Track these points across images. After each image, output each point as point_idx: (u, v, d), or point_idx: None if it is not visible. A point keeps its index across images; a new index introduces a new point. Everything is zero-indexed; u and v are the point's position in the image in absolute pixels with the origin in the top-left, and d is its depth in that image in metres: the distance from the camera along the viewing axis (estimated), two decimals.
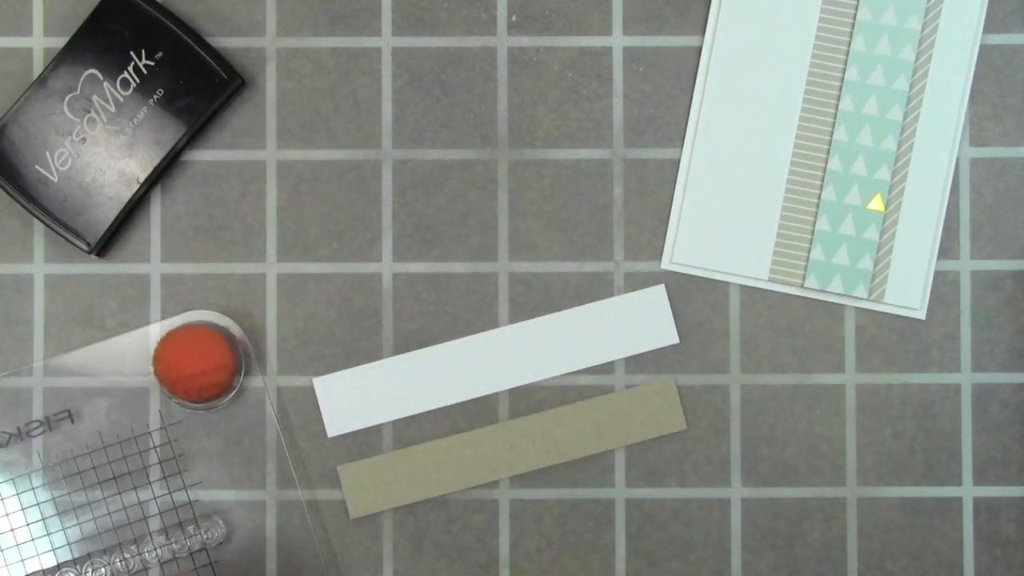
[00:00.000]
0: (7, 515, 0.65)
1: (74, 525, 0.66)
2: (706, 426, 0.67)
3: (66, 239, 0.66)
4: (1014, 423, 0.67)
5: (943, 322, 0.67)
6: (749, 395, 0.67)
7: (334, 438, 0.66)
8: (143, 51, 0.65)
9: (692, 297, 0.67)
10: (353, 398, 0.66)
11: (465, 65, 0.67)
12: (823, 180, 0.67)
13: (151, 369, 0.66)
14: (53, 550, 0.65)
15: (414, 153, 0.67)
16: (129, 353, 0.66)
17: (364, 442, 0.66)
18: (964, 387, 0.67)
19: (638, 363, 0.67)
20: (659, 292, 0.66)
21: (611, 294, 0.67)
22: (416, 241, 0.67)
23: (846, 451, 0.66)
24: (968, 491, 0.67)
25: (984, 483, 0.67)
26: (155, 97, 0.65)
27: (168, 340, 0.64)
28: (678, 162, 0.67)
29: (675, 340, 0.66)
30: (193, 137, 0.66)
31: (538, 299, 0.67)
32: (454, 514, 0.66)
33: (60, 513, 0.66)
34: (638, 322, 0.66)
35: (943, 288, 0.67)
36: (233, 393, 0.66)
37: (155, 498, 0.66)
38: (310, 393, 0.67)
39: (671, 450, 0.66)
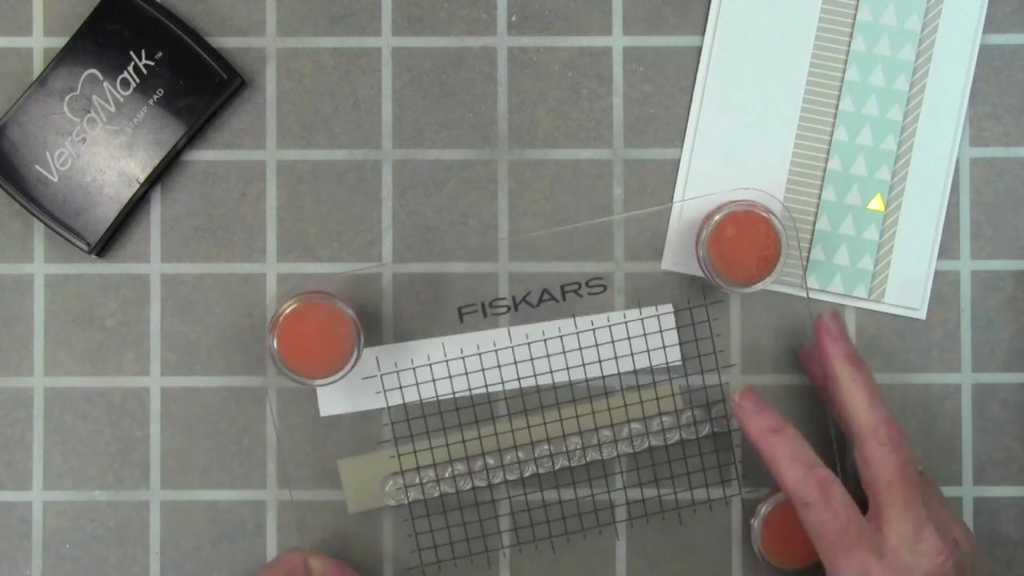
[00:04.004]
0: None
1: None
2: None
3: (66, 239, 0.66)
4: (1014, 423, 0.67)
5: (943, 322, 0.67)
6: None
7: (333, 437, 0.66)
8: (143, 51, 0.65)
9: (692, 297, 0.67)
10: (349, 380, 0.66)
11: (465, 65, 0.67)
12: (823, 180, 0.66)
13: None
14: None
15: (414, 153, 0.67)
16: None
17: (364, 439, 0.66)
18: (964, 387, 0.67)
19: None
20: (666, 311, 0.66)
21: (611, 294, 0.66)
22: (416, 241, 0.67)
23: (846, 451, 0.66)
24: (968, 491, 0.67)
25: (984, 483, 0.67)
26: (155, 97, 0.65)
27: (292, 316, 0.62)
28: (678, 162, 0.67)
29: (677, 359, 0.66)
30: (193, 137, 0.66)
31: (538, 299, 0.66)
32: (454, 514, 0.66)
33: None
34: (642, 339, 0.66)
35: (943, 288, 0.67)
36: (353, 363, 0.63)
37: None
38: (310, 393, 0.67)
39: (672, 450, 0.66)
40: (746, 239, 0.62)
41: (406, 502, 0.66)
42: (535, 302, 0.66)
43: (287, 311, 0.62)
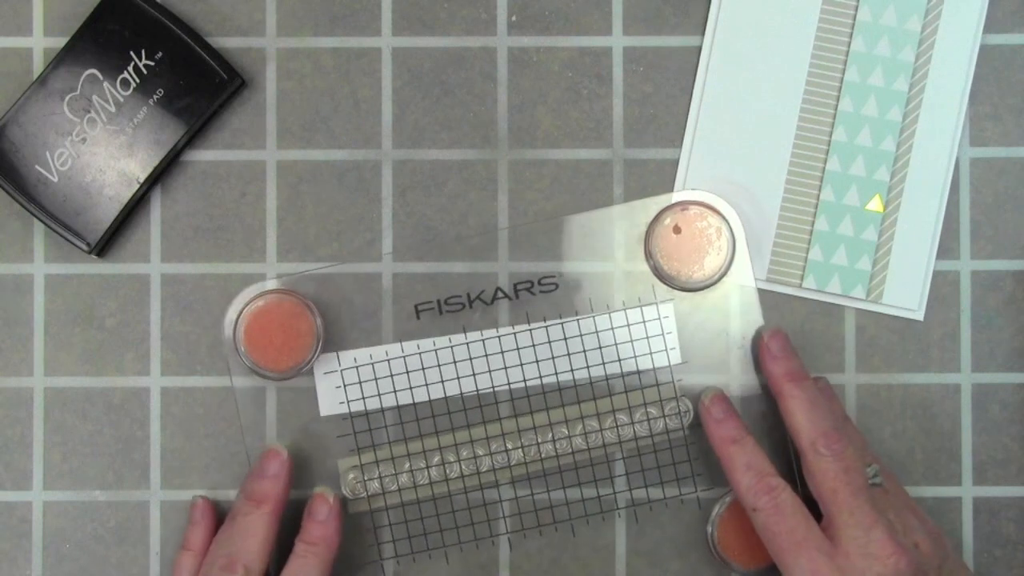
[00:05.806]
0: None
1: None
2: None
3: (66, 239, 0.66)
4: (1014, 423, 0.67)
5: (943, 322, 0.67)
6: (750, 395, 0.67)
7: (334, 437, 0.66)
8: (143, 51, 0.65)
9: (692, 297, 0.67)
10: (349, 380, 0.66)
11: (465, 65, 0.67)
12: (822, 180, 0.67)
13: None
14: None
15: (414, 153, 0.67)
16: None
17: (364, 439, 0.66)
18: (964, 387, 0.67)
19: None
20: (667, 309, 0.66)
21: (611, 294, 0.66)
22: (416, 241, 0.67)
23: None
24: (968, 491, 0.67)
25: (984, 483, 0.67)
26: (155, 97, 0.65)
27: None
28: (678, 162, 0.67)
29: (678, 360, 0.66)
30: (193, 137, 0.66)
31: (538, 299, 0.67)
32: (454, 514, 0.66)
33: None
34: (644, 338, 0.66)
35: (943, 288, 0.67)
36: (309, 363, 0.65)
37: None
38: (311, 393, 0.67)
39: (672, 449, 0.66)
40: (690, 240, 0.65)
41: (406, 501, 0.66)
42: (489, 300, 0.66)
43: (250, 308, 0.65)
